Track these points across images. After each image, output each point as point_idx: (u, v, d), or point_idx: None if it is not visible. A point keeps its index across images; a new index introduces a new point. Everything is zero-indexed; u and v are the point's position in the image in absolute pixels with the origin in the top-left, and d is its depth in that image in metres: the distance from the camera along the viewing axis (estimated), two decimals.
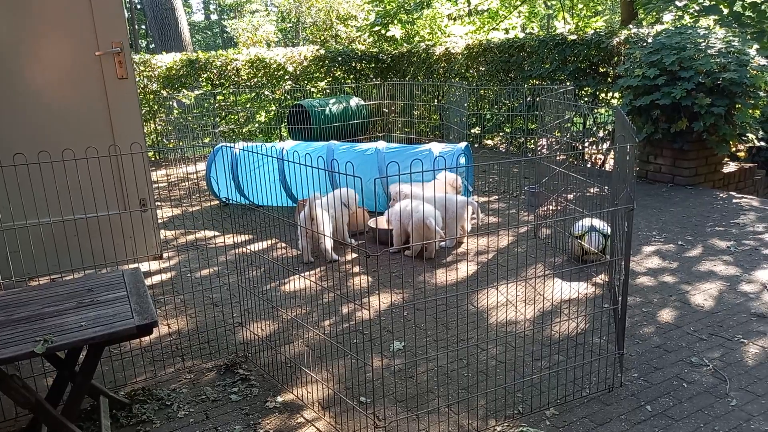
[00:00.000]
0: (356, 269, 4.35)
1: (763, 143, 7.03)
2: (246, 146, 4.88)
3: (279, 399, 2.75)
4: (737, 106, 5.90)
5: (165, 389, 2.84)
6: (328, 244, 4.34)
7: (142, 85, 8.97)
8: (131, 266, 2.90)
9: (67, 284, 2.60)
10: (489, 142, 9.45)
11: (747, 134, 6.51)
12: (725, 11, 8.02)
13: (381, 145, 5.56)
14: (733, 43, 5.91)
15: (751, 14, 8.00)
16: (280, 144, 5.92)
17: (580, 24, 14.12)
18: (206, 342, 3.29)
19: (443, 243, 4.57)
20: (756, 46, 6.20)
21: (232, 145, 6.18)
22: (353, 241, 4.85)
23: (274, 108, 10.12)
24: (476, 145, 9.12)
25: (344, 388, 2.82)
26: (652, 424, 2.51)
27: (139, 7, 25.61)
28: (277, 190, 5.69)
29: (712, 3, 8.16)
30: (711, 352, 3.05)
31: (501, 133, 9.23)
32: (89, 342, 2.14)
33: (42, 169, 3.20)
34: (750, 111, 6.05)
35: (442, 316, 3.53)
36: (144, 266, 4.28)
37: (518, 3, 15.23)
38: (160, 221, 5.56)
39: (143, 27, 27.50)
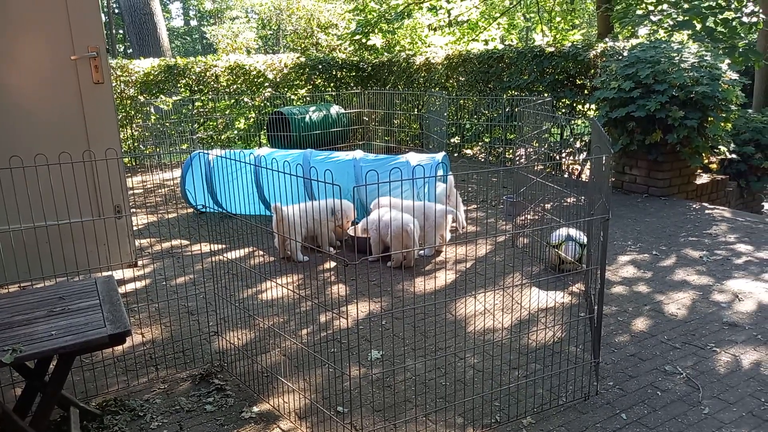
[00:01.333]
0: (334, 278, 4.33)
1: (734, 155, 7.19)
2: (220, 154, 4.83)
3: (255, 409, 2.71)
4: (709, 119, 6.04)
5: (138, 400, 2.79)
6: (295, 246, 4.55)
7: (119, 90, 8.86)
8: (104, 274, 2.85)
9: (38, 292, 2.54)
10: (468, 151, 9.52)
11: (719, 147, 6.66)
12: (698, 26, 8.22)
13: (358, 154, 5.54)
14: (705, 58, 6.06)
15: (722, 30, 8.23)
16: (258, 151, 5.86)
17: (557, 37, 14.33)
18: (181, 351, 3.24)
19: (422, 251, 4.58)
20: (727, 60, 6.36)
21: (207, 152, 6.11)
22: (332, 249, 4.83)
23: (253, 115, 10.08)
24: (455, 155, 9.18)
25: (321, 398, 2.79)
26: None
27: (117, 11, 25.35)
28: (253, 199, 5.63)
29: (685, 18, 8.36)
30: (684, 361, 3.10)
31: (480, 143, 9.31)
32: (59, 351, 2.10)
33: (13, 174, 3.13)
34: (722, 124, 6.20)
35: (420, 324, 3.53)
36: (118, 274, 4.21)
37: (497, 15, 15.44)
38: (135, 228, 5.48)
39: (121, 32, 27.24)
